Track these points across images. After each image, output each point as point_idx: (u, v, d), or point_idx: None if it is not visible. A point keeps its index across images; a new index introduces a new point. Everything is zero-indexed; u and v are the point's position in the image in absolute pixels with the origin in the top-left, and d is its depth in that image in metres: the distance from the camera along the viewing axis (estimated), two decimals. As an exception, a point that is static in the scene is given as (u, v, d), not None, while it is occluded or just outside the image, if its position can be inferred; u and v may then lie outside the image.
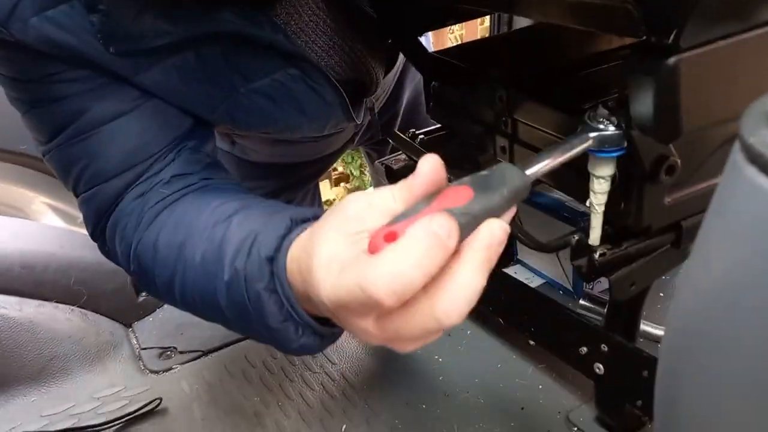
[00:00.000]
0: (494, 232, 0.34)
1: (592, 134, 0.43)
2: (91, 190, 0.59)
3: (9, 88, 0.59)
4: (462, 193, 0.35)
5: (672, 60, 0.36)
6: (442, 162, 0.37)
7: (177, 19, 0.55)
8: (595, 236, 0.49)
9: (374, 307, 0.33)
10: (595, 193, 0.47)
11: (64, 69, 0.55)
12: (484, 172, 0.37)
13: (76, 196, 0.61)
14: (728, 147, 0.24)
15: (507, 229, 0.35)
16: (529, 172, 0.39)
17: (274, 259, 0.44)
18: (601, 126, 0.43)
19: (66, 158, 0.59)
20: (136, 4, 0.54)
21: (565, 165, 0.52)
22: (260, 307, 0.45)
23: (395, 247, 0.32)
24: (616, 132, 0.43)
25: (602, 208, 0.48)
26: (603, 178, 0.46)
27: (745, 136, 0.22)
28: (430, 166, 0.36)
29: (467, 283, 0.33)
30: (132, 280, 0.84)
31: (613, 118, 0.43)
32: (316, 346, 0.47)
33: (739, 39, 0.37)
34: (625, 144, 0.43)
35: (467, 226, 0.34)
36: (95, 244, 0.65)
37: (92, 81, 0.57)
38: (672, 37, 0.35)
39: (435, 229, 0.32)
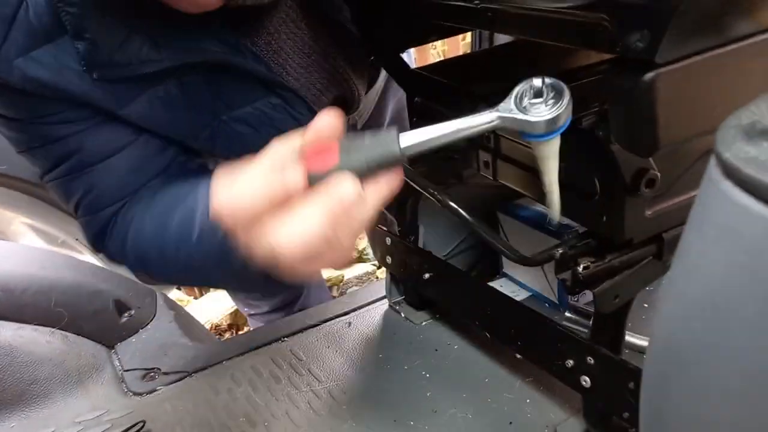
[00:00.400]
0: (341, 192, 0.39)
1: (493, 114, 0.40)
2: (89, 215, 0.64)
3: (4, 128, 0.61)
4: (331, 151, 0.40)
5: (649, 75, 0.36)
6: (334, 122, 0.41)
7: (162, 48, 0.57)
8: (555, 212, 0.46)
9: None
10: (544, 172, 0.44)
11: (55, 110, 0.58)
12: (366, 134, 0.41)
13: (76, 218, 0.66)
14: (706, 159, 0.24)
15: (358, 191, 0.40)
16: (404, 140, 0.40)
17: None
18: (520, 110, 0.39)
19: (64, 189, 0.63)
20: (122, 32, 0.55)
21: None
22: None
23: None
24: (527, 117, 0.39)
25: (557, 187, 0.44)
26: (548, 158, 0.42)
27: (720, 150, 0.23)
28: (323, 122, 0.41)
29: (302, 217, 0.39)
30: (114, 301, 0.83)
31: (539, 101, 0.39)
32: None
33: (714, 54, 0.38)
34: (560, 124, 0.39)
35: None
36: (76, 264, 0.66)
37: (84, 122, 0.59)
38: (648, 52, 0.36)
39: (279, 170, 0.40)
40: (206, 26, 0.59)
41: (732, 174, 0.22)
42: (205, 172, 0.65)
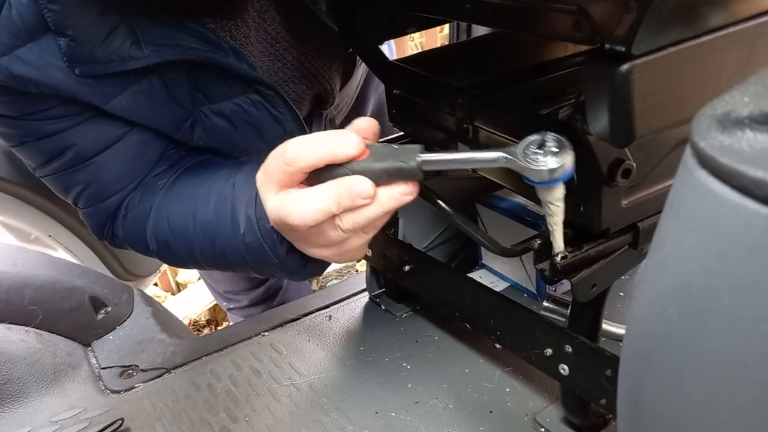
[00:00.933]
0: (353, 182, 0.46)
1: (499, 154, 0.45)
2: (91, 207, 0.66)
3: None
4: (361, 155, 0.47)
5: (625, 67, 0.37)
6: (372, 128, 0.49)
7: (145, 45, 0.57)
8: (558, 248, 0.49)
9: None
10: (550, 215, 0.47)
11: (45, 107, 0.58)
12: (394, 145, 0.47)
13: (77, 207, 0.68)
14: (681, 149, 0.24)
15: (367, 188, 0.46)
16: (422, 157, 0.45)
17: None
18: (523, 157, 0.44)
19: (61, 183, 0.64)
20: (105, 29, 0.56)
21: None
22: (272, 241, 0.55)
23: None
24: (528, 165, 0.43)
25: (560, 227, 0.48)
26: (553, 203, 0.46)
27: (695, 140, 0.23)
28: (361, 125, 0.49)
29: (313, 192, 0.47)
30: (90, 298, 0.82)
31: (542, 153, 0.43)
32: (317, 268, 0.59)
33: (689, 45, 0.38)
34: (563, 173, 0.43)
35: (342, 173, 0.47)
36: (50, 261, 0.66)
37: (75, 117, 0.60)
38: (624, 44, 0.36)
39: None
40: (187, 23, 0.59)
41: (707, 163, 0.22)
42: (220, 163, 0.66)
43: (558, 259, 0.50)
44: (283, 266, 0.57)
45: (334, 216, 0.47)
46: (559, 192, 0.45)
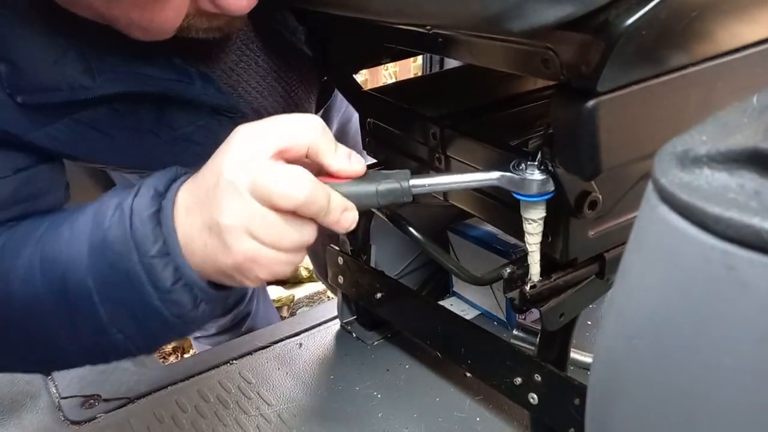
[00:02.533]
0: (346, 206, 0.44)
1: (499, 173, 0.47)
2: None
3: None
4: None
5: (591, 103, 0.38)
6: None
7: (98, 74, 0.52)
8: (535, 272, 0.51)
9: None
10: (530, 234, 0.49)
11: None
12: (386, 171, 0.47)
13: None
14: (645, 182, 0.25)
15: (353, 221, 0.45)
16: (412, 182, 0.46)
17: (160, 220, 0.45)
18: (518, 171, 0.46)
19: None
20: (53, 54, 0.50)
21: (495, 200, 0.54)
22: (144, 233, 0.44)
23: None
24: (521, 177, 0.46)
25: (538, 247, 0.50)
26: (534, 221, 0.48)
27: (657, 176, 0.24)
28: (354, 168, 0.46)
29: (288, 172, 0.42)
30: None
31: (533, 166, 0.46)
32: (210, 310, 0.47)
33: (652, 83, 0.40)
34: (550, 189, 0.46)
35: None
36: None
37: None
38: (591, 81, 0.37)
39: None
40: (152, 53, 0.54)
41: (668, 199, 0.23)
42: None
43: (528, 288, 0.51)
44: (164, 303, 0.45)
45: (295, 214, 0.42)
46: (541, 210, 0.48)
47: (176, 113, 0.60)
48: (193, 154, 0.63)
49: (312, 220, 0.44)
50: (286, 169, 0.42)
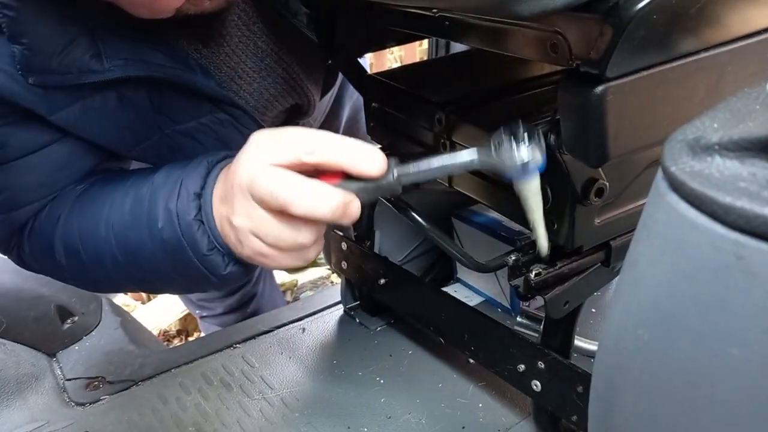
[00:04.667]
0: (350, 199, 0.46)
1: (474, 157, 0.45)
2: (3, 214, 0.60)
3: None
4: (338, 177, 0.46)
5: (599, 89, 0.38)
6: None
7: (106, 58, 0.54)
8: (543, 245, 0.49)
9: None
10: (530, 210, 0.47)
11: None
12: None
13: None
14: (653, 169, 0.25)
15: (357, 211, 0.46)
16: (397, 171, 0.46)
17: (201, 195, 0.52)
18: (496, 154, 0.44)
19: None
20: (64, 39, 0.53)
21: (498, 186, 0.54)
22: (192, 236, 0.52)
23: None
24: (503, 161, 0.43)
25: (542, 223, 0.48)
26: (531, 197, 0.46)
27: (667, 164, 0.23)
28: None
29: (322, 187, 0.45)
30: (56, 307, 0.79)
31: (515, 146, 0.43)
32: (241, 273, 0.55)
33: (661, 69, 0.39)
34: (537, 165, 0.44)
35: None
36: (14, 268, 0.63)
37: (6, 117, 0.56)
38: (599, 67, 0.37)
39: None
40: (156, 38, 0.57)
41: (678, 187, 0.23)
42: (133, 173, 0.62)
43: (532, 275, 0.51)
44: (203, 265, 0.54)
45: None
46: (535, 184, 0.45)
47: (178, 104, 0.61)
48: (192, 150, 0.64)
49: (312, 222, 0.47)
50: (288, 178, 0.45)
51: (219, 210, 0.51)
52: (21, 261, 0.64)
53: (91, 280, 0.63)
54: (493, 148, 0.44)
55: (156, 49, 0.57)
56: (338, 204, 0.45)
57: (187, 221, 0.52)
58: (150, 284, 0.60)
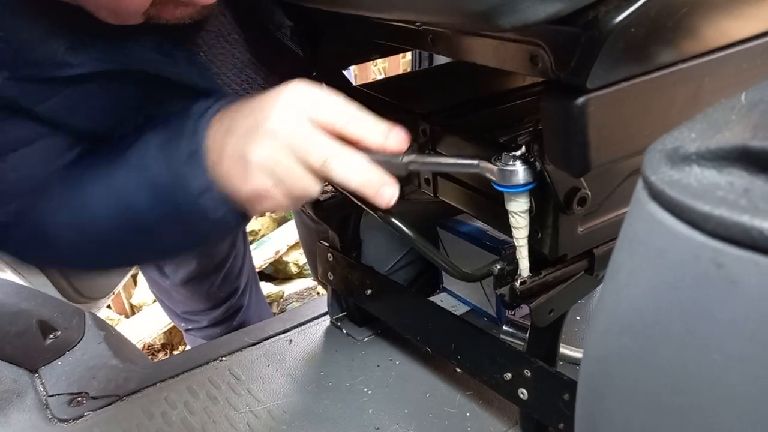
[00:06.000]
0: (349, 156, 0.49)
1: (476, 161, 0.48)
2: None
3: None
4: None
5: (580, 100, 0.38)
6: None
7: (80, 52, 0.54)
8: (524, 266, 0.51)
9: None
10: (515, 228, 0.49)
11: None
12: None
13: None
14: (634, 178, 0.25)
15: (377, 181, 0.49)
16: (405, 159, 0.50)
17: (196, 132, 0.53)
18: (501, 163, 0.47)
19: None
20: (38, 32, 0.52)
21: (483, 196, 0.55)
22: (183, 175, 0.52)
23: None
24: (502, 168, 0.46)
25: (525, 242, 0.50)
26: (518, 214, 0.48)
27: (647, 174, 0.24)
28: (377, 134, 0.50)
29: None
30: (38, 322, 0.78)
31: (514, 157, 0.46)
32: (235, 220, 0.54)
33: (641, 80, 0.40)
34: (530, 180, 0.46)
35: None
36: None
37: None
38: (580, 78, 0.37)
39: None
40: (134, 33, 0.56)
41: (658, 196, 0.23)
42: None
43: (517, 284, 0.51)
44: (197, 203, 0.52)
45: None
46: (524, 203, 0.48)
47: (164, 93, 0.60)
48: None
49: (325, 176, 0.49)
50: (328, 139, 0.48)
51: (221, 141, 0.51)
52: (11, 255, 0.63)
53: (87, 256, 0.62)
54: (494, 158, 0.47)
55: (135, 41, 0.56)
56: (375, 181, 0.49)
57: (181, 156, 0.52)
58: (144, 244, 0.59)
